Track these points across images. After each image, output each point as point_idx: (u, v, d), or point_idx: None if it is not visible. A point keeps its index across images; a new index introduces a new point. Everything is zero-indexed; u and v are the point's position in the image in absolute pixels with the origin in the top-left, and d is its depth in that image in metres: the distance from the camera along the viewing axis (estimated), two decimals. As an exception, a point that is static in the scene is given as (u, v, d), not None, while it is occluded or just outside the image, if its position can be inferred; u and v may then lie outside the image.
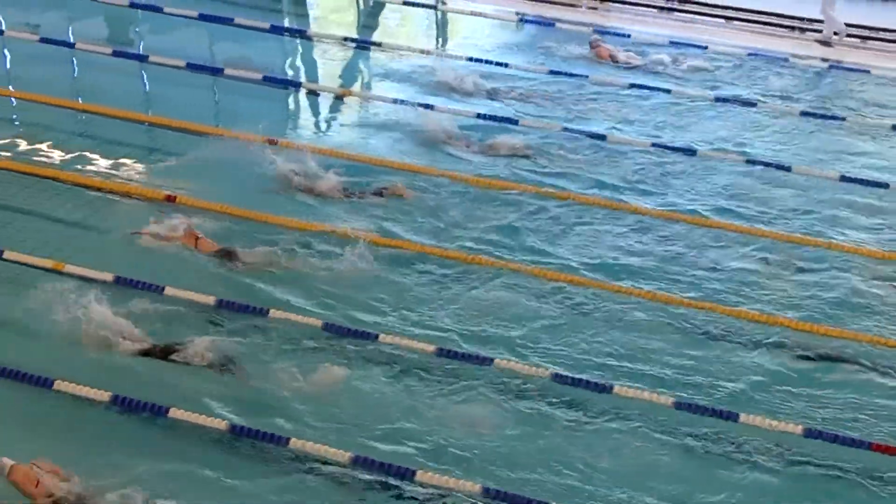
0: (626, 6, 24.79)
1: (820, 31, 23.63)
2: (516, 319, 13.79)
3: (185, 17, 22.85)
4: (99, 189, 16.20)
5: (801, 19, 24.13)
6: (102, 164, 17.01)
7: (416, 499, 11.01)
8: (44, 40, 21.50)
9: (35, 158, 17.06)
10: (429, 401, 12.33)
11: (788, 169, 17.88)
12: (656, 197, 16.91)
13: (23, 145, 17.50)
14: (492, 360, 12.87)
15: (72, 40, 21.81)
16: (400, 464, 11.31)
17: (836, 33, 23.42)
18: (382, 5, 25.38)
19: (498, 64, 21.32)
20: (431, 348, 13.00)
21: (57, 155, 17.26)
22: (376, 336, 13.16)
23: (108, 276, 13.93)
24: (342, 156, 17.41)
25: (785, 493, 11.35)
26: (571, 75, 20.97)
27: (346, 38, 22.70)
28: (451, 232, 15.62)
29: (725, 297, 14.45)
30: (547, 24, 23.68)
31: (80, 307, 12.93)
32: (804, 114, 20.05)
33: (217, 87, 20.48)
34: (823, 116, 20.00)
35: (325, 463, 11.30)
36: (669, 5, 24.50)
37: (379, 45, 22.46)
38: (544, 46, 22.40)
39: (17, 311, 13.22)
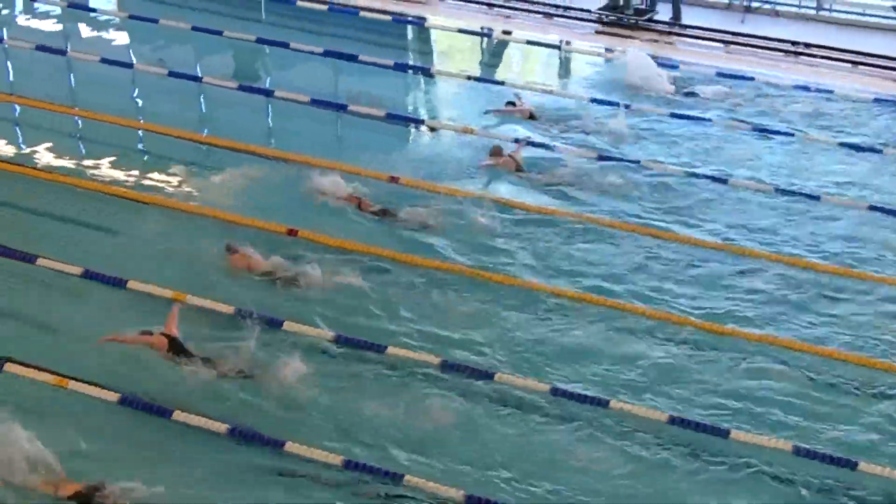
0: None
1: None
2: (629, 360, 13.79)
3: (311, 52, 23.11)
4: (214, 217, 16.56)
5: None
6: (221, 190, 17.44)
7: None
8: (172, 74, 21.92)
9: (170, 190, 17.53)
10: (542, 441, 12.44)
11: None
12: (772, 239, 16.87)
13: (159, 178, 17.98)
14: (608, 401, 12.92)
15: (199, 74, 22.22)
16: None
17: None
18: (506, 44, 25.44)
19: (623, 105, 21.17)
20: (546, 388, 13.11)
21: (174, 181, 17.82)
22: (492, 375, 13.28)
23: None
24: (461, 194, 17.41)
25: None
26: (692, 118, 20.86)
27: (469, 77, 22.78)
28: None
29: (851, 343, 14.36)
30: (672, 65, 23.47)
31: None
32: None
33: (340, 122, 20.67)
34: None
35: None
36: (796, 49, 24.20)
37: (501, 83, 22.48)
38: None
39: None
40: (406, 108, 22.04)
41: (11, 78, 22.08)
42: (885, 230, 17.21)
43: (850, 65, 23.76)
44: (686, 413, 12.80)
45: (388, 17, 25.43)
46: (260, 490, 11.58)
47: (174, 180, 17.88)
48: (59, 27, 24.96)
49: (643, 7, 25.37)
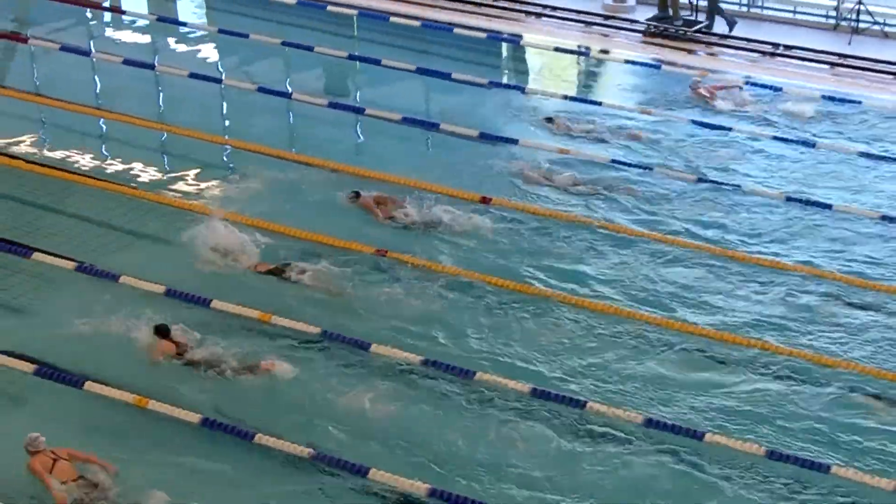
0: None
1: None
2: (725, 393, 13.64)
3: (404, 69, 22.61)
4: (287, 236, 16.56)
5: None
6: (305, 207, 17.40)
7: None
8: (261, 90, 21.54)
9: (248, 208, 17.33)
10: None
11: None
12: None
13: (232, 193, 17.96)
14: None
15: (289, 90, 21.82)
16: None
17: None
18: (603, 63, 24.73)
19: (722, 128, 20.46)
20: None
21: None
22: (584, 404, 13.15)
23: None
24: (557, 216, 17.19)
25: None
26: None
27: (566, 96, 22.12)
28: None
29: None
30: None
31: None
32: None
33: (431, 141, 20.18)
34: None
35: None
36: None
37: (599, 103, 21.78)
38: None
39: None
40: (497, 128, 21.26)
41: (98, 90, 21.95)
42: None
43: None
44: (788, 447, 12.64)
45: (483, 35, 24.80)
46: None
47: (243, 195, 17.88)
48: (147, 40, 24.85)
49: (692, 18, 24.70)
